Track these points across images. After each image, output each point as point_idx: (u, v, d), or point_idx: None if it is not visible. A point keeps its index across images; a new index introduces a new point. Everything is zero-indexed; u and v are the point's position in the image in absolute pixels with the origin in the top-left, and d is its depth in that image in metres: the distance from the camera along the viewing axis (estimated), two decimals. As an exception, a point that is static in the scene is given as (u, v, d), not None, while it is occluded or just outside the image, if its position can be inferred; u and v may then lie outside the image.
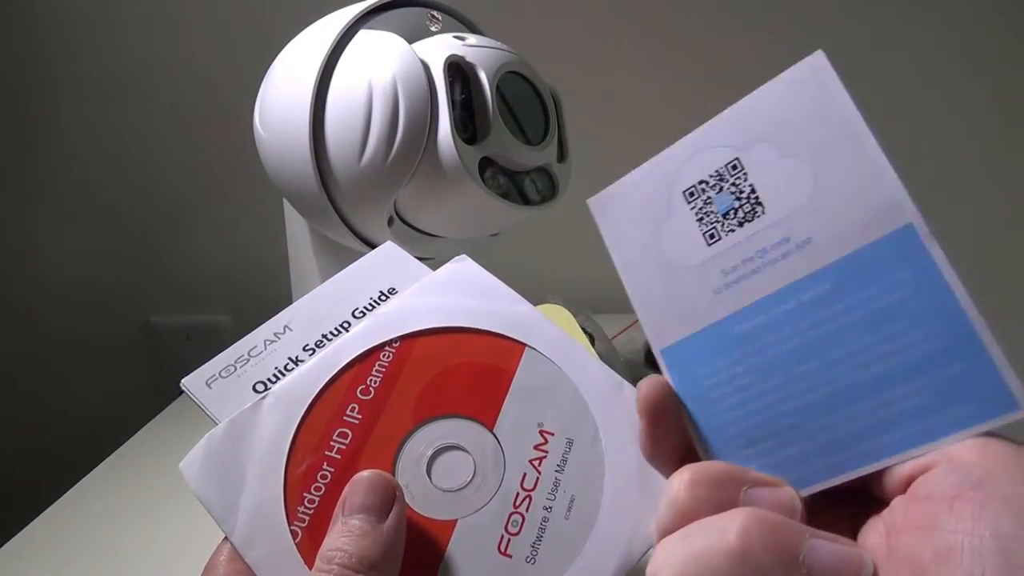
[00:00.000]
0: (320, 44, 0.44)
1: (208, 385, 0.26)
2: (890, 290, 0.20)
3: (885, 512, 0.20)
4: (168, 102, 0.83)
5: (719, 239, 0.22)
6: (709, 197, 0.23)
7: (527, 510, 0.24)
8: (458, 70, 0.43)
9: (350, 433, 0.25)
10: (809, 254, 0.21)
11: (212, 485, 0.23)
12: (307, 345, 0.27)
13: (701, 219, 0.23)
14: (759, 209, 0.22)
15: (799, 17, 0.75)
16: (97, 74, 0.83)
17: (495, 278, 0.28)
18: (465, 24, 0.52)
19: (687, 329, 0.23)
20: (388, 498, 0.23)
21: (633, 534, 0.23)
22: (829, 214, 0.21)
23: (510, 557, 0.23)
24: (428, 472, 0.24)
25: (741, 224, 0.22)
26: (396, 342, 0.26)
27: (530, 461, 0.25)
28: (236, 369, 0.26)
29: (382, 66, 0.42)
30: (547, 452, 0.25)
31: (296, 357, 0.26)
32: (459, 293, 0.27)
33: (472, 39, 0.45)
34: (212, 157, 0.84)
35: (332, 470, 0.24)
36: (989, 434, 0.19)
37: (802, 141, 0.21)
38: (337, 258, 0.51)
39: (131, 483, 0.56)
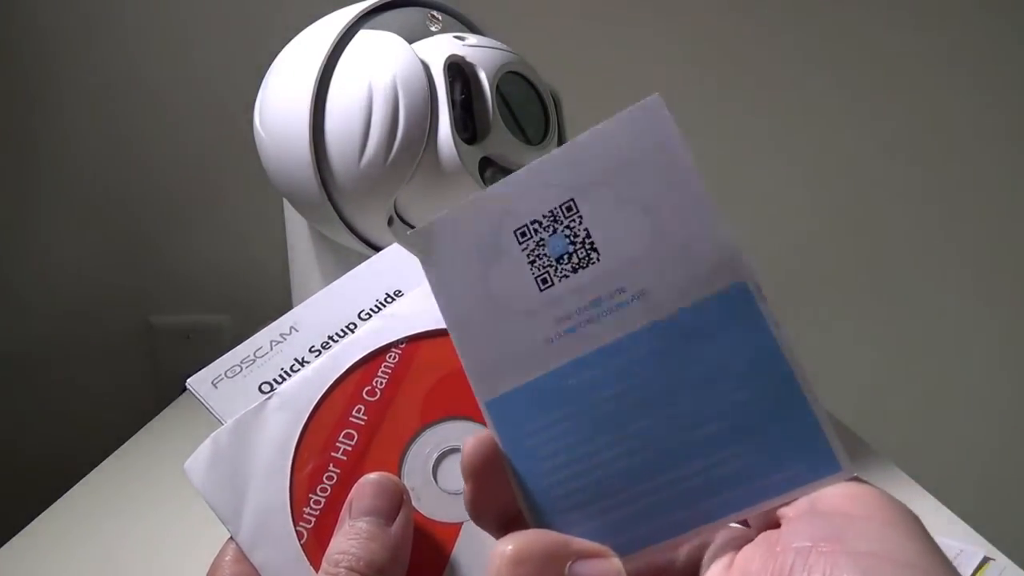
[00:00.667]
0: (320, 44, 0.44)
1: (214, 385, 0.26)
2: (722, 349, 0.19)
3: (739, 556, 0.19)
4: (168, 102, 0.83)
5: (552, 284, 0.21)
6: (542, 239, 0.21)
7: None
8: (458, 70, 0.44)
9: (356, 435, 0.24)
10: (644, 306, 0.20)
11: (217, 486, 0.23)
12: (313, 346, 0.27)
13: (533, 262, 0.21)
14: (594, 255, 0.21)
15: (800, 17, 0.76)
16: (97, 75, 0.83)
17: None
18: (465, 24, 0.52)
19: (515, 380, 0.21)
20: (396, 501, 0.22)
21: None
22: (665, 265, 0.20)
23: None
24: (434, 474, 0.24)
25: (575, 270, 0.21)
26: (403, 343, 0.26)
27: None
28: (242, 369, 0.26)
29: (382, 66, 0.42)
30: None
31: (302, 358, 0.26)
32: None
33: (472, 39, 0.45)
34: (212, 157, 0.84)
35: (338, 471, 0.24)
36: (859, 479, 0.18)
37: (638, 187, 0.20)
38: (337, 258, 0.51)
39: (131, 483, 0.56)
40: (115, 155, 0.85)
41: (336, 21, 0.45)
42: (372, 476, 0.23)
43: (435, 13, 0.49)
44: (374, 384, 0.25)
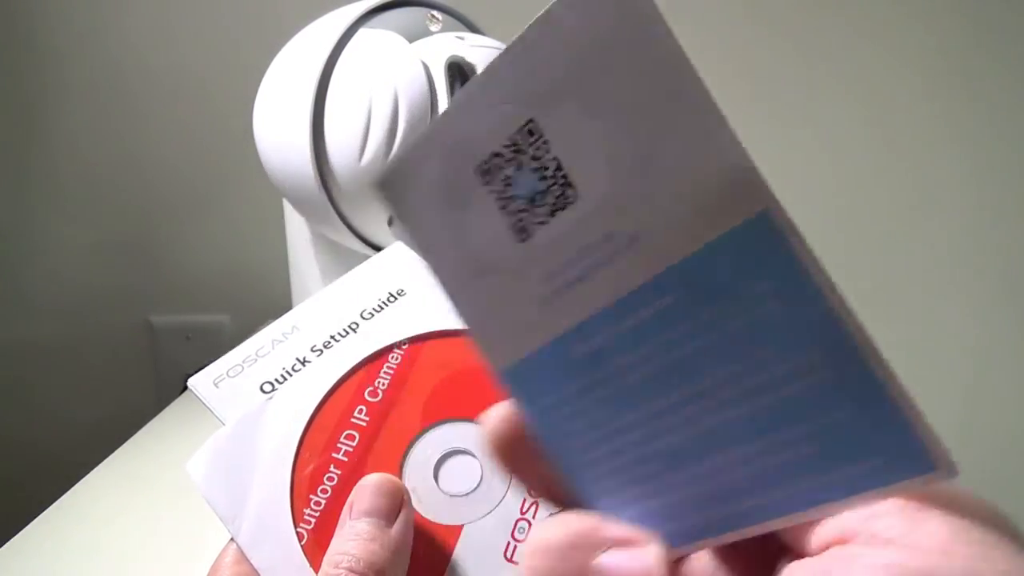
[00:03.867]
0: (320, 44, 0.44)
1: (215, 384, 0.26)
2: (747, 305, 0.15)
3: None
4: (168, 102, 0.83)
5: (530, 234, 0.16)
6: (508, 176, 0.16)
7: (534, 516, 0.23)
8: (458, 70, 0.44)
9: (357, 435, 0.24)
10: (640, 255, 0.15)
11: (219, 486, 0.23)
12: (315, 346, 0.27)
13: (504, 207, 0.16)
14: (570, 192, 0.16)
15: (801, 16, 0.76)
16: (97, 75, 0.83)
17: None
18: (465, 24, 0.52)
19: (521, 348, 0.17)
20: (396, 502, 0.22)
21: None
22: (657, 200, 0.15)
23: (517, 564, 0.23)
24: (435, 476, 0.24)
25: (552, 213, 0.16)
26: (405, 344, 0.26)
27: None
28: (243, 369, 0.26)
29: (382, 66, 0.42)
30: None
31: (303, 358, 0.26)
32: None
33: (472, 39, 0.45)
34: (212, 157, 0.84)
35: (339, 472, 0.24)
36: (924, 503, 0.14)
37: (611, 93, 0.15)
38: (337, 258, 0.51)
39: (131, 483, 0.56)
40: (115, 155, 0.85)
41: (336, 21, 0.45)
42: (372, 477, 0.23)
43: (435, 13, 0.49)
44: (376, 385, 0.25)
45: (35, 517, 0.51)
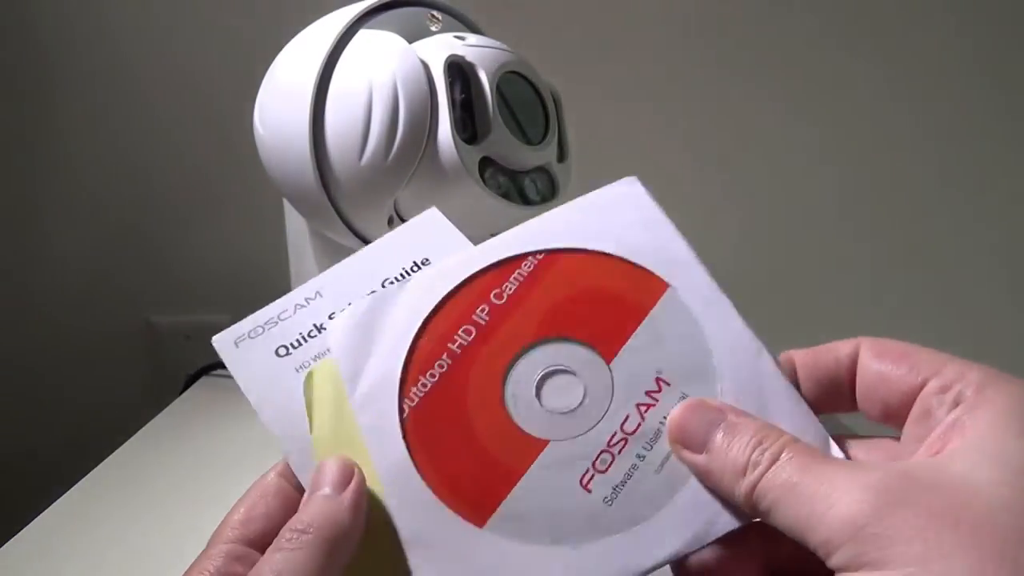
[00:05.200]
0: (320, 44, 0.44)
1: (235, 344, 0.26)
2: None
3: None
4: (168, 102, 0.83)
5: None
6: None
7: (619, 452, 0.23)
8: (458, 70, 0.43)
9: (474, 331, 0.25)
10: None
11: (347, 349, 0.25)
12: (333, 313, 0.27)
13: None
14: None
15: (800, 16, 0.75)
16: (97, 74, 0.83)
17: (660, 209, 0.27)
18: (465, 24, 0.52)
19: None
20: (347, 474, 0.23)
21: (718, 512, 0.22)
22: None
23: (589, 492, 0.23)
24: (537, 388, 0.25)
25: None
26: (540, 254, 0.26)
27: (637, 405, 0.24)
28: (264, 331, 0.27)
29: (382, 66, 0.42)
30: (657, 401, 0.24)
31: (320, 324, 0.27)
32: (618, 217, 0.27)
33: (472, 39, 0.45)
34: (212, 157, 0.84)
35: (449, 362, 0.25)
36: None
37: None
38: (337, 258, 0.50)
39: (131, 483, 0.56)
40: (115, 155, 0.85)
41: (336, 21, 0.45)
42: (327, 460, 0.24)
43: (435, 13, 0.49)
44: (503, 288, 0.26)
45: (35, 517, 0.51)
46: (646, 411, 0.24)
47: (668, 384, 0.24)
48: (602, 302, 0.25)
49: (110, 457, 0.60)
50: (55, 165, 0.86)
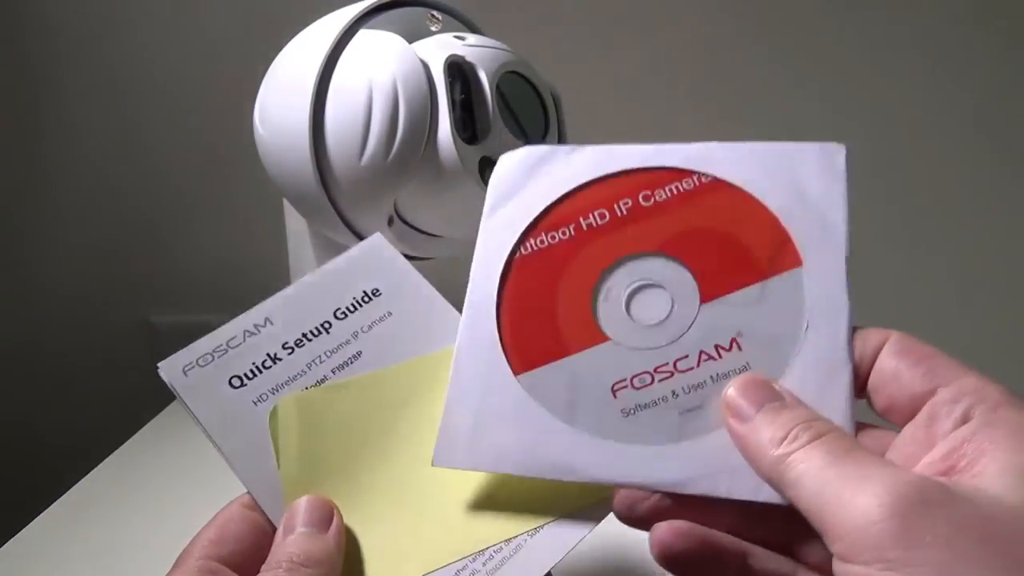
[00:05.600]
0: (320, 44, 0.44)
1: (184, 373, 0.26)
2: None
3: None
4: (168, 102, 0.83)
5: None
6: None
7: (660, 380, 0.24)
8: (458, 70, 0.43)
9: (607, 217, 0.26)
10: None
11: (504, 180, 0.27)
12: (287, 343, 0.27)
13: None
14: None
15: (800, 17, 0.75)
16: (97, 74, 0.82)
17: (846, 188, 0.26)
18: (465, 24, 0.52)
19: None
20: (327, 515, 0.24)
21: (729, 477, 0.22)
22: None
23: (615, 398, 0.24)
24: (630, 291, 0.25)
25: None
26: (707, 178, 0.26)
27: (701, 352, 0.24)
28: (214, 359, 0.26)
29: (382, 66, 0.42)
30: (720, 358, 0.24)
31: (275, 354, 0.26)
32: (801, 175, 0.26)
33: (472, 39, 0.45)
34: (212, 156, 0.84)
35: (572, 233, 0.26)
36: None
37: None
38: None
39: (131, 483, 0.56)
40: (115, 155, 0.85)
41: (336, 21, 0.45)
42: (302, 500, 0.24)
43: (435, 13, 0.49)
44: (654, 192, 0.26)
45: (35, 517, 0.51)
46: (705, 361, 0.24)
47: (740, 349, 0.24)
48: (733, 247, 0.25)
49: (110, 457, 0.60)
50: (55, 165, 0.86)
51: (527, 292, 0.26)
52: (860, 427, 0.23)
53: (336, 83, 0.43)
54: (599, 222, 0.26)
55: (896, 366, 0.22)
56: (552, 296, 0.26)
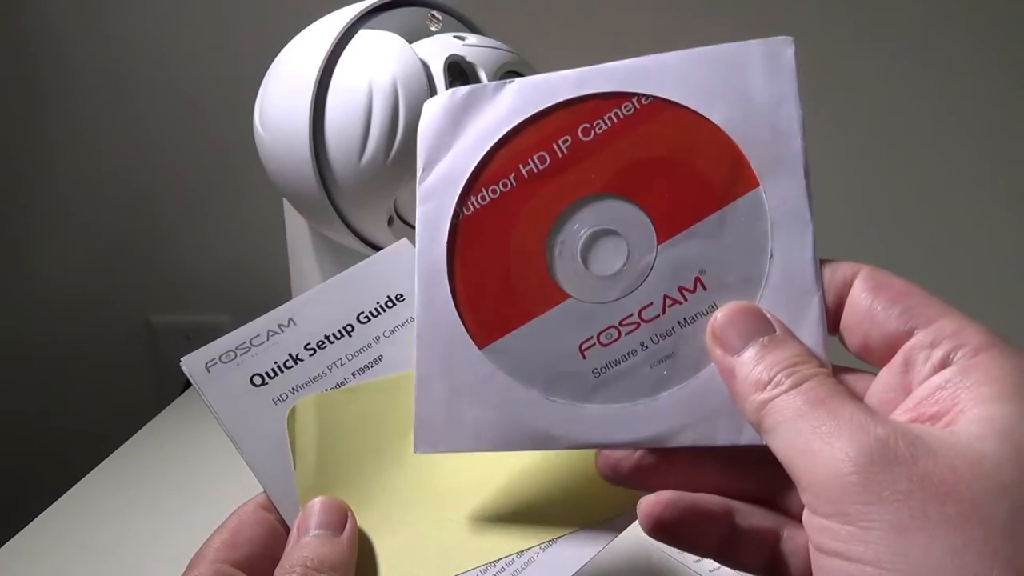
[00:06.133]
0: (320, 44, 0.44)
1: (207, 369, 0.26)
2: None
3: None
4: (168, 102, 0.83)
5: None
6: None
7: (627, 333, 0.23)
8: (458, 70, 0.44)
9: (548, 161, 0.24)
10: None
11: (432, 133, 0.25)
12: (308, 344, 0.27)
13: None
14: None
15: (801, 16, 0.76)
16: (97, 74, 0.83)
17: (796, 87, 0.23)
18: (465, 24, 0.52)
19: None
20: (341, 517, 0.24)
21: (709, 425, 0.22)
22: None
23: (584, 359, 0.23)
24: (584, 242, 0.24)
25: None
26: (647, 99, 0.24)
27: (665, 296, 0.23)
28: (236, 356, 0.26)
29: (382, 66, 0.42)
30: (686, 300, 0.23)
31: (296, 355, 0.26)
32: (747, 81, 0.23)
33: (472, 39, 0.45)
34: (212, 157, 0.84)
35: (513, 184, 0.24)
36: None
37: None
38: (337, 258, 0.51)
39: (131, 483, 0.56)
40: (115, 155, 0.85)
41: (336, 21, 0.45)
42: (317, 500, 0.24)
43: (435, 13, 0.49)
44: (593, 124, 0.24)
45: (35, 517, 0.51)
46: (670, 306, 0.23)
47: (704, 288, 0.23)
48: (684, 176, 0.23)
49: (110, 457, 0.60)
50: (55, 165, 0.86)
51: (477, 257, 0.24)
52: (839, 370, 0.21)
53: (336, 83, 0.43)
54: (540, 167, 0.24)
55: (870, 304, 0.20)
56: (504, 257, 0.24)
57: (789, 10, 0.75)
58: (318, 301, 0.28)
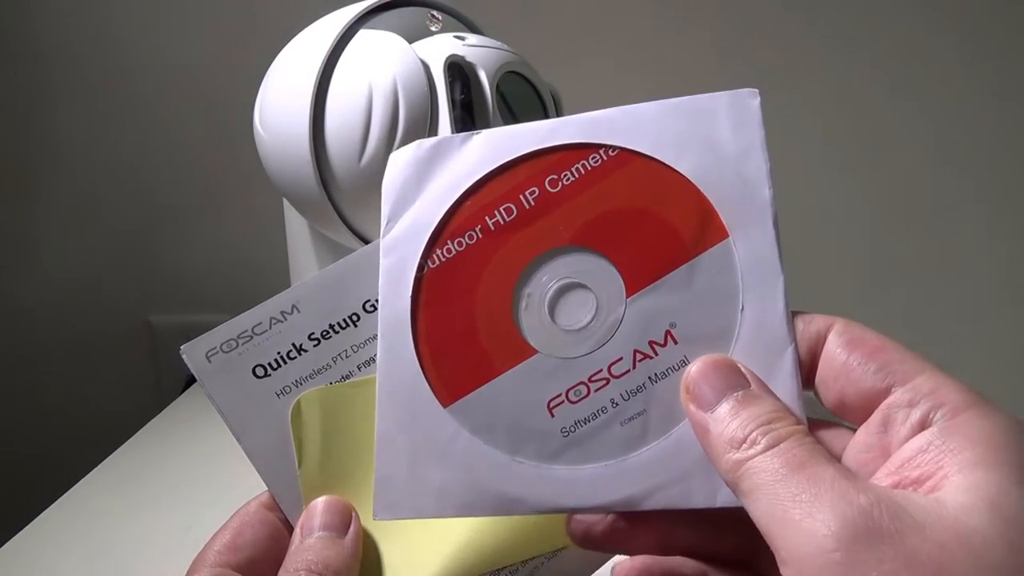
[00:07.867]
0: (320, 44, 0.44)
1: (207, 358, 0.25)
2: None
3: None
4: (168, 102, 0.83)
5: None
6: None
7: (596, 390, 0.22)
8: (458, 70, 0.44)
9: (515, 212, 0.24)
10: None
11: (397, 184, 0.25)
12: (313, 333, 0.26)
13: None
14: None
15: (802, 16, 0.76)
16: (96, 75, 0.83)
17: (763, 137, 0.23)
18: (465, 24, 0.52)
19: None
20: (346, 518, 0.23)
21: (682, 486, 0.21)
22: None
23: (552, 417, 0.22)
24: (551, 295, 0.23)
25: None
26: (614, 150, 0.24)
27: (635, 351, 0.22)
28: (238, 345, 0.25)
29: (382, 66, 0.42)
30: (656, 355, 0.22)
31: (300, 344, 0.25)
32: (713, 131, 0.23)
33: (472, 39, 0.45)
34: (212, 157, 0.84)
35: (480, 236, 0.24)
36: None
37: None
38: (337, 258, 0.51)
39: (131, 482, 0.56)
40: (115, 155, 0.85)
41: (336, 21, 0.45)
42: (320, 500, 0.24)
43: (435, 13, 0.49)
44: (561, 176, 0.24)
45: (35, 517, 0.51)
46: (640, 361, 0.22)
47: (675, 342, 0.22)
48: (653, 228, 0.23)
49: (110, 457, 0.60)
50: (54, 165, 0.86)
51: (442, 311, 0.23)
52: (815, 425, 0.21)
53: (336, 84, 0.43)
54: (506, 218, 0.24)
55: (846, 359, 0.20)
56: (470, 311, 0.23)
57: (777, 16, 0.75)
58: (322, 288, 0.26)
